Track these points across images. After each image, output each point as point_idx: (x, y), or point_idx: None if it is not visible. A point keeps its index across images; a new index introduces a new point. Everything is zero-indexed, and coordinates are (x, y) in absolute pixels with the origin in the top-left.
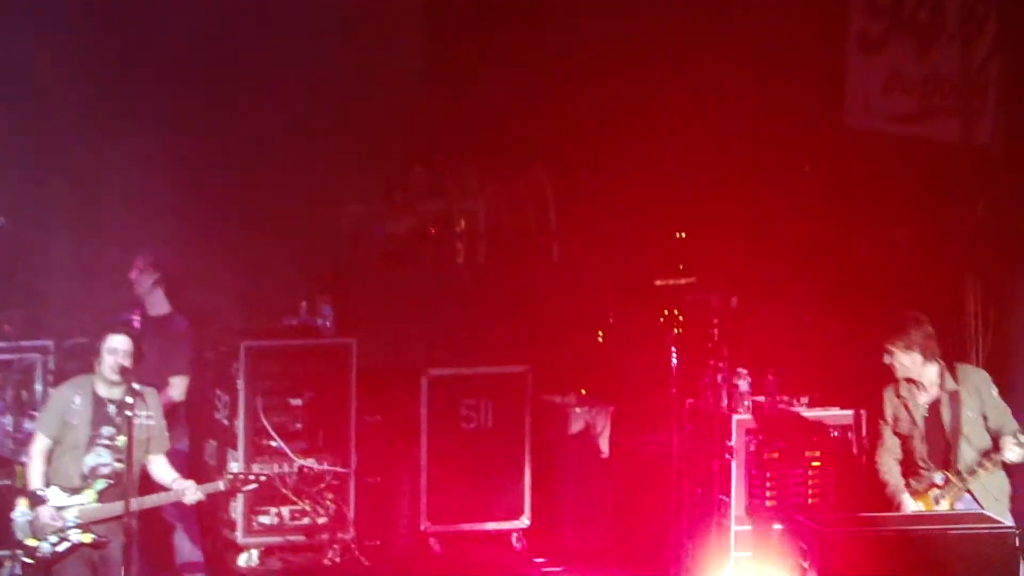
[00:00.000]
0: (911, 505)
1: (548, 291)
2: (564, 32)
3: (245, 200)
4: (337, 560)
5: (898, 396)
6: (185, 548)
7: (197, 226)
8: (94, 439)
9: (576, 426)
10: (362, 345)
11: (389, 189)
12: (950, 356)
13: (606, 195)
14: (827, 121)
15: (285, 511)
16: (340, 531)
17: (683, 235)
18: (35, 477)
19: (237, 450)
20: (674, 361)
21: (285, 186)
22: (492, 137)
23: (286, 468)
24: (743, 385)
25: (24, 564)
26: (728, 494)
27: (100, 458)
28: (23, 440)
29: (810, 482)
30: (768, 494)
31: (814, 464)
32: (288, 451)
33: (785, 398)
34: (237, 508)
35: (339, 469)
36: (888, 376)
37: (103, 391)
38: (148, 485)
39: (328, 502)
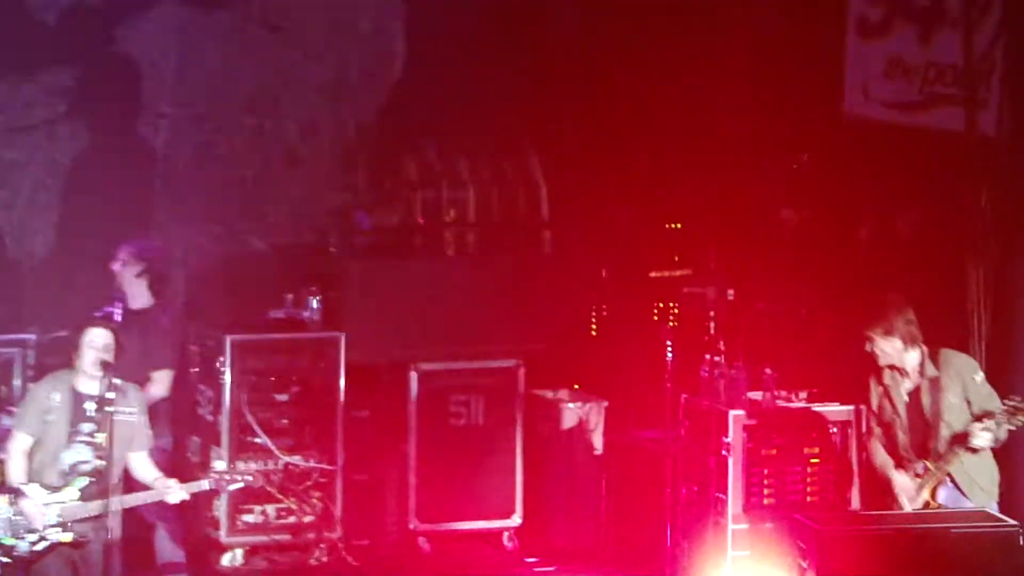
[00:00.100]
0: (899, 479)
1: (540, 283)
2: (557, 19)
3: (231, 191)
4: (324, 560)
5: (881, 384)
6: (167, 547)
7: (181, 216)
8: (74, 436)
9: (569, 422)
10: (350, 339)
11: (377, 178)
12: (952, 345)
13: (599, 184)
14: (826, 109)
15: (270, 509)
16: (327, 530)
17: (678, 225)
18: (16, 474)
19: (221, 447)
20: (669, 355)
21: (271, 175)
22: (482, 125)
23: (271, 465)
24: (740, 380)
25: (2, 564)
26: (725, 492)
27: (80, 455)
28: (1, 436)
29: (809, 479)
30: (766, 492)
31: (813, 461)
32: (274, 448)
33: (783, 393)
34: (221, 506)
35: (326, 466)
36: (873, 365)
37: (83, 387)
38: (130, 483)
39: (315, 500)
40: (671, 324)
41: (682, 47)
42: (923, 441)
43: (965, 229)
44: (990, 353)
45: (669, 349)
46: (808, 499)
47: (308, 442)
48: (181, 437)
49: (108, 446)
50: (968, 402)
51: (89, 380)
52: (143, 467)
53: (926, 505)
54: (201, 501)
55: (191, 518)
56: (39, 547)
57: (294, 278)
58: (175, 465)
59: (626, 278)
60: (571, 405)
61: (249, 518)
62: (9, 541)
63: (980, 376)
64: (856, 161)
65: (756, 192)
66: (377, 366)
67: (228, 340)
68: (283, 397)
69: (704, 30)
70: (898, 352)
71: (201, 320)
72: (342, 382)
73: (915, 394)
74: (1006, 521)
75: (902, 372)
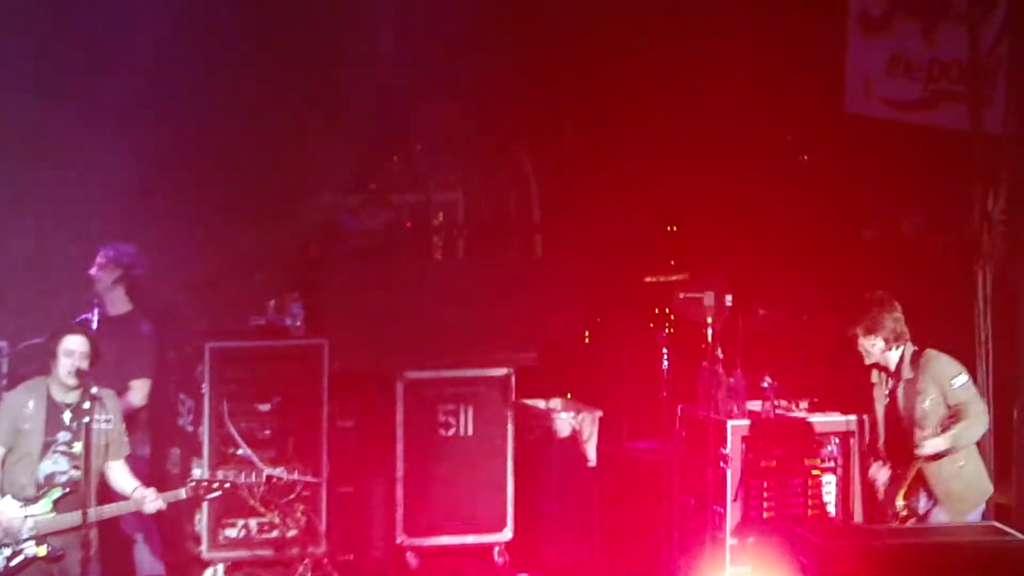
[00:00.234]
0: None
1: (531, 288)
2: (550, 17)
3: (211, 193)
4: None
5: (871, 384)
6: (146, 561)
7: (160, 220)
8: (49, 446)
9: (561, 432)
10: (334, 346)
11: (363, 180)
12: (956, 347)
13: (593, 186)
14: (827, 106)
15: (252, 523)
16: (311, 545)
17: (675, 228)
18: None
19: (202, 458)
20: (665, 363)
21: (253, 178)
22: (472, 126)
23: (254, 478)
24: (739, 389)
25: None
26: (723, 505)
27: (56, 466)
28: None
29: (810, 492)
30: (765, 505)
31: (814, 473)
32: (256, 459)
33: (783, 403)
34: (202, 520)
35: (310, 479)
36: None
37: (58, 395)
38: (107, 494)
39: (298, 514)
40: (667, 331)
41: (679, 46)
42: (899, 442)
43: (971, 230)
44: (996, 356)
45: (665, 357)
46: (809, 512)
47: (291, 454)
48: (160, 448)
49: (85, 456)
50: (948, 406)
51: (65, 389)
52: (122, 477)
53: (898, 509)
54: (183, 514)
55: (172, 532)
56: (14, 562)
57: (276, 283)
58: (154, 477)
59: (621, 283)
60: (564, 415)
61: (231, 533)
62: None
63: (959, 380)
64: (858, 161)
65: (755, 193)
66: (363, 374)
67: (208, 348)
68: (265, 407)
69: (700, 28)
70: (879, 351)
71: (180, 327)
72: (326, 391)
73: (892, 394)
74: (1013, 535)
75: (887, 372)
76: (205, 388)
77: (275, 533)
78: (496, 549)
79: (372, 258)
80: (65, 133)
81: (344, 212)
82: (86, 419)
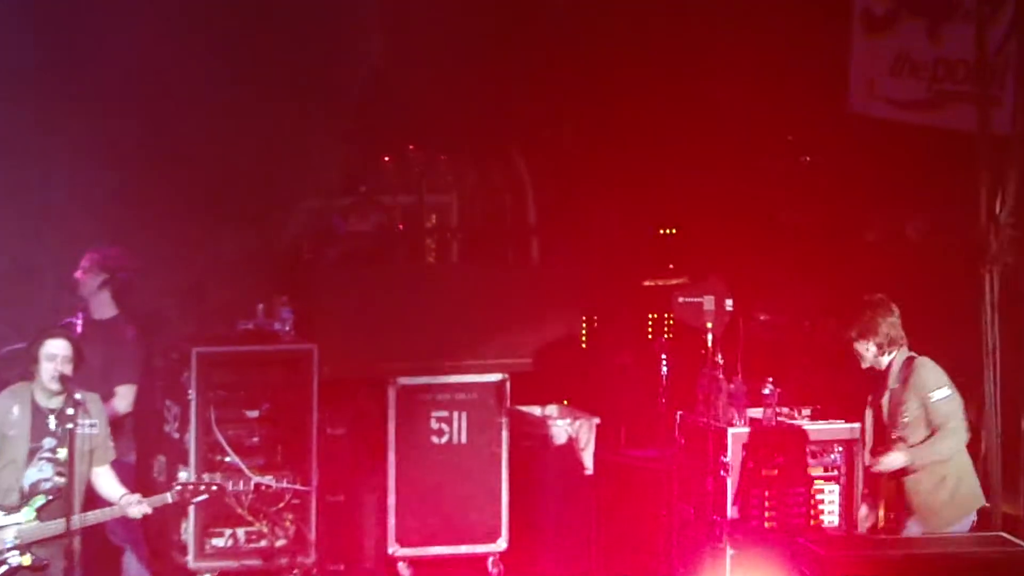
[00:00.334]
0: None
1: (527, 292)
2: (547, 16)
3: (199, 195)
4: None
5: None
6: (134, 571)
7: (146, 223)
8: (35, 452)
9: (558, 440)
10: (324, 351)
11: (353, 181)
12: (962, 353)
13: (590, 188)
14: (830, 107)
15: (240, 533)
16: (301, 555)
17: (673, 231)
18: None
19: (188, 466)
20: (664, 369)
21: (242, 180)
22: (466, 126)
23: (242, 486)
24: (739, 396)
25: None
26: (723, 514)
27: (42, 472)
28: None
29: (812, 501)
30: (767, 514)
31: (816, 482)
32: (244, 467)
33: (785, 410)
34: (188, 529)
35: (299, 487)
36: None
37: (42, 400)
38: (92, 502)
39: (287, 523)
40: (666, 336)
41: (678, 45)
42: (883, 450)
43: (977, 234)
44: (1003, 365)
45: (664, 362)
46: (812, 522)
47: (280, 461)
48: (146, 455)
49: (69, 461)
50: (928, 420)
51: (49, 394)
52: (108, 484)
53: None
54: (169, 523)
55: (158, 541)
56: None
57: (265, 287)
58: (140, 484)
59: (619, 287)
60: (560, 422)
61: (218, 542)
62: None
63: (939, 394)
64: (861, 163)
65: (756, 195)
66: (354, 380)
67: (195, 352)
68: (254, 413)
69: (705, 28)
70: (872, 355)
71: (167, 331)
72: (316, 397)
73: (877, 403)
74: (1020, 545)
75: (882, 376)
76: (192, 394)
77: (263, 543)
78: (491, 559)
79: (363, 261)
80: (50, 134)
81: (335, 214)
82: (70, 424)
